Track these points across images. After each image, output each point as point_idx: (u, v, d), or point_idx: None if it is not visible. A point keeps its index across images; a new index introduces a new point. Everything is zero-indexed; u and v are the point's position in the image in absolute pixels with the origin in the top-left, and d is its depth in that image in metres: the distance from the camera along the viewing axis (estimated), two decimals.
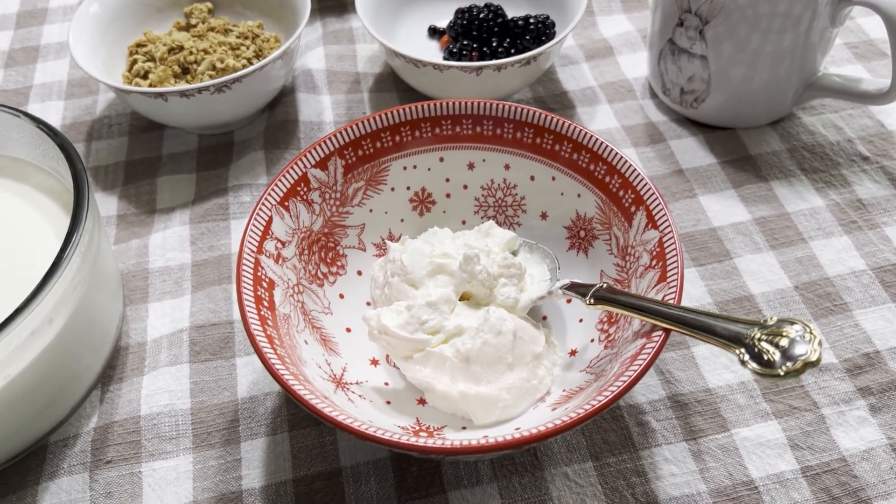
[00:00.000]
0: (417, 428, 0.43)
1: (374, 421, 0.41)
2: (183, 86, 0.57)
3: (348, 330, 0.48)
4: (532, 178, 0.50)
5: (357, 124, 0.49)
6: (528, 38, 0.64)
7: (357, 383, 0.45)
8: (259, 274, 0.43)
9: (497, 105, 0.49)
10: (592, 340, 0.46)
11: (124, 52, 0.65)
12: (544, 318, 0.49)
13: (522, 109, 0.49)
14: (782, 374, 0.32)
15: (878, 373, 0.48)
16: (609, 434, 0.46)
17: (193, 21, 0.66)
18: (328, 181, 0.48)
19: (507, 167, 0.51)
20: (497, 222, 0.52)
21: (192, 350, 0.50)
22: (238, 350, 0.51)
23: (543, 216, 0.51)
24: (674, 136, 0.62)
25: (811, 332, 0.34)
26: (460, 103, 0.49)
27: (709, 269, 0.53)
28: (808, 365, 0.32)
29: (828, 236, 0.55)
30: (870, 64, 0.67)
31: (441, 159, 0.51)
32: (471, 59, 0.64)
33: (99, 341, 0.47)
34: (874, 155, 0.60)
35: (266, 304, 0.42)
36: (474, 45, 0.64)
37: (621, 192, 0.46)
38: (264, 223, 0.44)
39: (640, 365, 0.37)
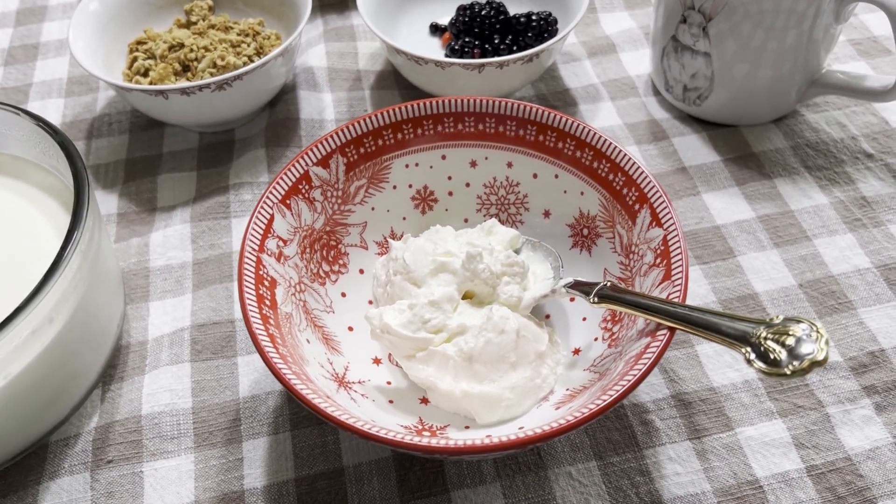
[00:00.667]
0: (420, 427, 0.43)
1: (377, 420, 0.41)
2: (183, 83, 0.56)
3: (350, 329, 0.48)
4: (535, 175, 0.50)
5: (359, 122, 0.48)
6: (530, 35, 0.63)
7: (359, 382, 0.45)
8: (261, 272, 0.42)
9: (499, 102, 0.49)
10: (596, 339, 0.45)
11: (124, 49, 0.65)
12: (547, 316, 0.49)
13: (525, 107, 0.48)
14: (788, 373, 0.32)
15: (884, 371, 0.47)
16: (613, 433, 0.46)
17: (194, 18, 0.66)
18: (330, 179, 0.48)
19: (509, 165, 0.50)
20: (499, 220, 0.51)
21: (194, 349, 0.50)
22: (240, 349, 0.50)
23: (546, 214, 0.50)
24: (677, 134, 0.62)
25: (818, 331, 0.33)
26: (462, 101, 0.49)
27: (712, 267, 0.53)
28: (815, 364, 0.32)
29: (832, 234, 0.55)
30: (874, 61, 0.67)
31: (443, 157, 0.51)
32: (473, 57, 0.63)
33: (100, 340, 0.47)
34: (878, 152, 0.59)
35: (268, 302, 0.42)
36: (476, 43, 0.64)
37: (625, 190, 0.45)
38: (266, 221, 0.44)
39: (645, 364, 0.36)
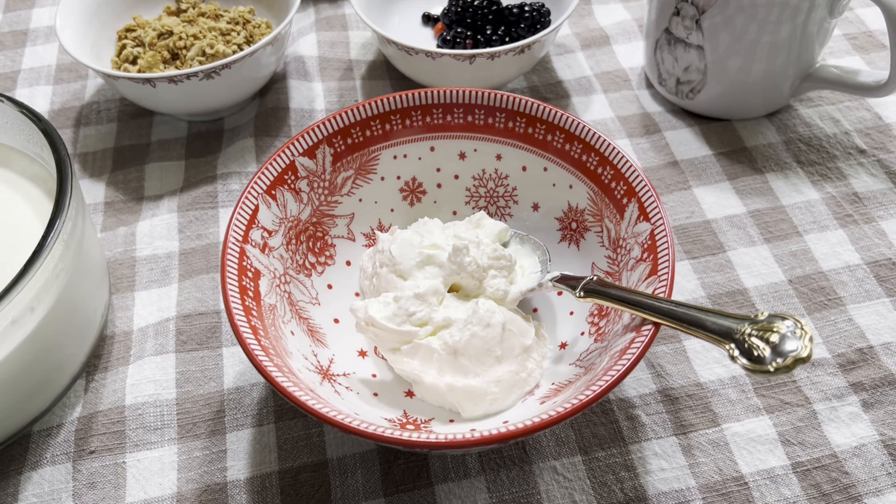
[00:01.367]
0: (404, 420, 0.43)
1: (361, 413, 0.41)
2: (171, 71, 0.56)
3: (336, 321, 0.47)
4: (524, 168, 0.49)
5: (346, 112, 0.48)
6: (522, 26, 0.63)
7: (344, 375, 0.45)
8: (244, 263, 0.42)
9: (489, 94, 0.48)
10: (583, 333, 0.45)
11: (113, 36, 0.64)
12: (535, 310, 0.48)
13: (514, 98, 0.48)
14: (772, 370, 0.32)
15: (871, 368, 0.47)
16: (598, 428, 0.45)
17: (183, 6, 0.65)
18: (316, 170, 0.47)
19: (498, 157, 0.50)
20: (488, 213, 0.51)
21: (179, 340, 0.50)
22: (225, 340, 0.50)
23: (535, 207, 0.50)
24: (669, 127, 0.62)
25: (802, 328, 0.33)
26: (451, 92, 0.48)
27: (702, 262, 0.53)
28: (799, 361, 0.32)
29: (823, 230, 0.54)
30: (868, 56, 0.67)
31: (432, 148, 0.50)
32: (464, 47, 0.63)
33: (83, 330, 0.47)
34: (871, 148, 0.59)
35: (251, 294, 0.41)
36: (468, 33, 0.63)
37: (613, 184, 0.45)
38: (250, 212, 0.44)
39: (630, 359, 0.36)
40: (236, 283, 0.40)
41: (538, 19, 0.63)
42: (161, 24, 0.61)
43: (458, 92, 0.48)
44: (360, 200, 0.50)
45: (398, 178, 0.51)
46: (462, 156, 0.50)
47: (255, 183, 0.44)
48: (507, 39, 0.63)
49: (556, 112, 0.47)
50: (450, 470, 0.44)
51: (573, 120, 0.47)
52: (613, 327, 0.42)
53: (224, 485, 0.44)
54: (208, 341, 0.50)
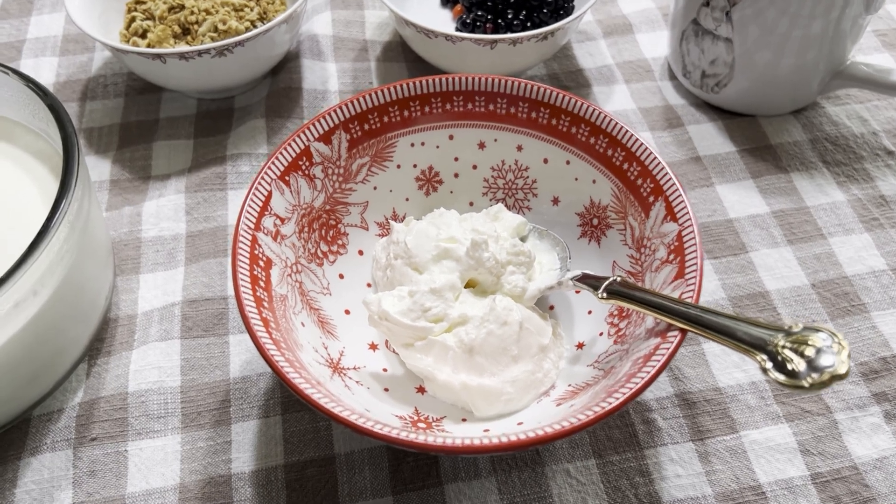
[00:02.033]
0: (416, 418, 0.42)
1: (371, 409, 0.39)
2: (182, 48, 0.54)
3: (347, 312, 0.46)
4: (545, 160, 0.48)
5: (364, 97, 0.46)
6: (545, 11, 0.61)
7: (354, 368, 0.43)
8: (256, 252, 0.40)
9: (512, 82, 0.46)
10: (601, 334, 0.44)
11: (122, 8, 0.62)
12: (551, 307, 0.47)
13: (539, 88, 0.46)
14: (807, 385, 0.31)
15: (895, 378, 0.46)
16: (613, 431, 0.44)
17: None
18: (332, 156, 0.46)
19: (519, 148, 0.48)
20: (506, 205, 0.50)
21: (184, 325, 0.49)
22: (231, 327, 0.49)
23: (555, 201, 0.49)
24: (692, 121, 0.60)
25: (839, 342, 0.32)
26: (474, 79, 0.47)
27: (723, 263, 0.51)
28: (836, 378, 0.30)
29: (848, 233, 0.53)
30: None
31: (451, 137, 0.49)
32: (484, 31, 0.61)
33: (87, 313, 0.46)
34: None
35: (262, 284, 0.40)
36: (489, 17, 0.61)
37: (639, 181, 0.44)
38: (263, 198, 0.42)
39: (654, 367, 0.35)
40: (248, 273, 0.39)
41: (561, 4, 0.61)
42: None
43: (480, 79, 0.47)
44: (375, 188, 0.49)
45: (414, 166, 0.49)
46: (481, 145, 0.49)
47: (269, 168, 0.43)
48: (528, 25, 0.61)
49: (582, 104, 0.45)
50: (460, 469, 0.43)
51: (600, 112, 0.45)
52: (635, 330, 0.40)
53: (228, 477, 0.43)
54: (214, 328, 0.49)
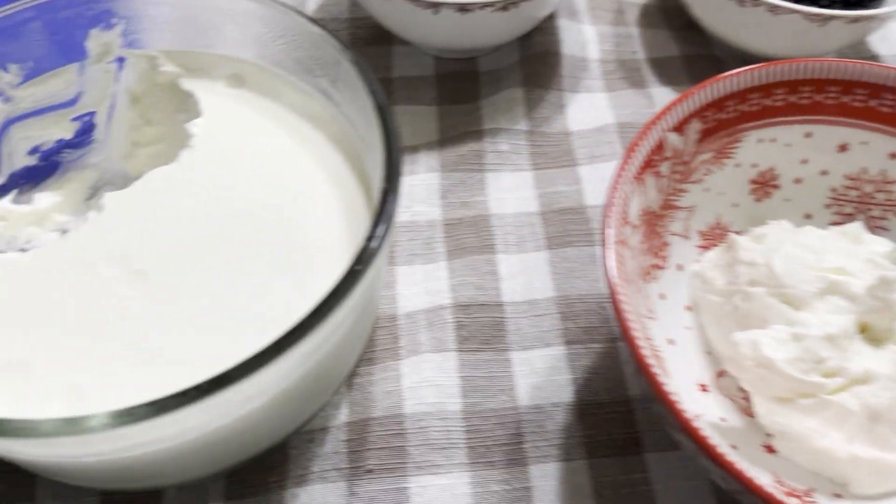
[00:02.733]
0: (784, 489, 0.33)
1: None
2: None
3: (671, 342, 0.38)
4: None
5: (722, 81, 0.37)
6: None
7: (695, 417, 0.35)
8: (622, 278, 0.32)
9: None
10: None
11: None
12: None
13: None
14: None
15: None
16: None
17: None
18: (682, 149, 0.37)
19: (893, 156, 0.39)
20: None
21: (459, 335, 0.41)
22: (511, 341, 0.41)
23: None
24: None
25: None
26: (860, 67, 0.37)
27: None
28: None
29: None
30: None
31: (807, 135, 0.39)
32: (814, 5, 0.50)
33: (370, 322, 0.38)
34: None
35: (633, 317, 0.31)
36: None
37: None
38: (623, 204, 0.34)
39: None
40: (632, 314, 0.31)
41: None
42: None
43: (868, 69, 0.37)
44: (707, 190, 0.40)
45: (753, 166, 0.40)
46: (842, 148, 0.40)
47: (628, 165, 0.34)
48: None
49: None
50: None
51: None
52: None
53: None
54: (492, 341, 0.41)
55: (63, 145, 0.42)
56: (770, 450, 0.36)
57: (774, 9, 0.46)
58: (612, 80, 0.52)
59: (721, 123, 0.38)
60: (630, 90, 0.51)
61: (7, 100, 0.39)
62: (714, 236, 0.41)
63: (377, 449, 0.37)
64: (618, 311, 0.30)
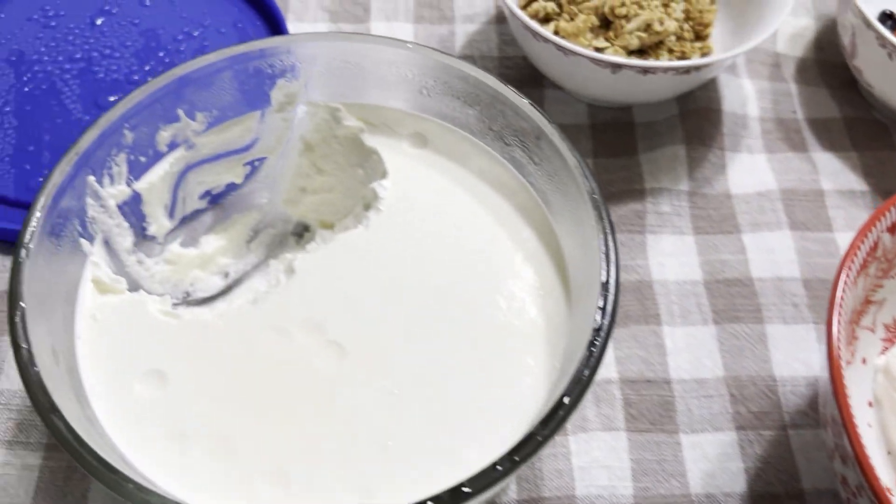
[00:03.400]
0: None
1: None
2: (644, 62, 0.43)
3: (890, 453, 0.37)
4: None
5: None
6: None
7: None
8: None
9: None
10: None
11: None
12: None
13: None
14: None
15: None
16: None
17: None
18: (890, 248, 0.36)
19: None
20: None
21: (627, 413, 0.40)
22: (680, 422, 0.40)
23: None
24: None
25: None
26: None
27: None
28: None
29: None
30: None
31: None
32: None
33: None
34: None
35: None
36: None
37: None
38: (842, 307, 0.32)
39: None
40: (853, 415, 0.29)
41: None
42: None
43: None
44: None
45: None
46: None
47: (849, 269, 0.33)
48: None
49: None
50: None
51: None
52: None
53: None
54: (661, 421, 0.40)
55: (231, 188, 0.41)
56: None
57: None
58: (771, 139, 0.50)
59: None
60: (791, 153, 0.50)
61: (190, 147, 0.38)
62: None
63: None
64: (842, 408, 0.29)
